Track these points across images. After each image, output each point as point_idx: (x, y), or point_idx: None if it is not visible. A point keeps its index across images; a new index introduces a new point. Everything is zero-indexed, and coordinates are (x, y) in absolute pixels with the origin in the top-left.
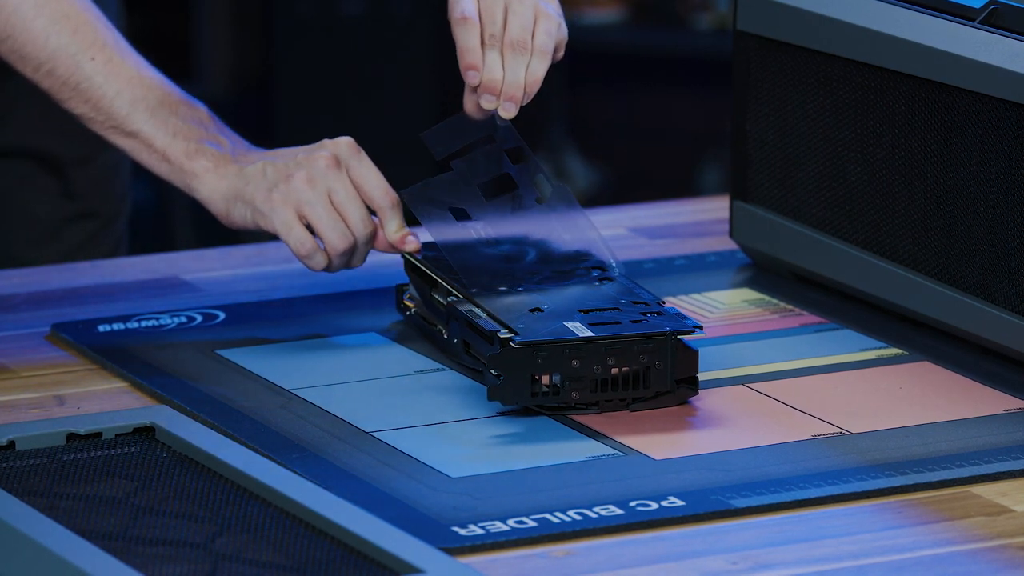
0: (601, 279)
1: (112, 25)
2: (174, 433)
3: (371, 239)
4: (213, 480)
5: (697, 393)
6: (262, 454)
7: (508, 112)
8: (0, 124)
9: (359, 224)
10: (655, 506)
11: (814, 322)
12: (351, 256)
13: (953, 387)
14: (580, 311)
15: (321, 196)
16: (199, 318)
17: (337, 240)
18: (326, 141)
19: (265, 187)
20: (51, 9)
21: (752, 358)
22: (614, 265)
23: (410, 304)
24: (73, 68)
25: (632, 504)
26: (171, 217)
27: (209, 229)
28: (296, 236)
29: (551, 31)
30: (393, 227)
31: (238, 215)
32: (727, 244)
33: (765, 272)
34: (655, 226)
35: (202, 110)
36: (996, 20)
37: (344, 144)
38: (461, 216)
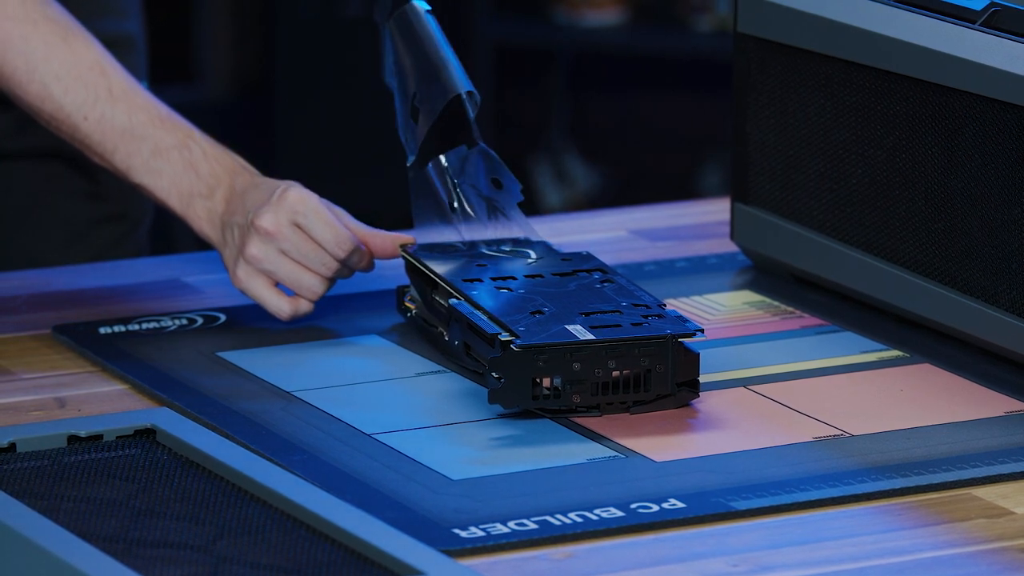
0: (602, 281)
1: (104, 53)
2: (175, 435)
3: (345, 266)
4: (214, 482)
5: (698, 396)
6: (263, 456)
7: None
8: (31, 125)
9: (323, 267)
10: (656, 508)
11: (815, 324)
12: (332, 282)
13: (954, 389)
14: (581, 314)
15: (277, 258)
16: (200, 320)
17: (307, 290)
18: (274, 197)
19: (232, 257)
20: (43, 71)
21: (753, 360)
22: (536, 241)
23: (411, 306)
24: (72, 128)
25: (633, 506)
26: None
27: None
28: (273, 305)
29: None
30: (364, 265)
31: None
32: (728, 246)
33: (766, 274)
34: (656, 228)
35: (194, 150)
36: (996, 22)
37: (290, 203)
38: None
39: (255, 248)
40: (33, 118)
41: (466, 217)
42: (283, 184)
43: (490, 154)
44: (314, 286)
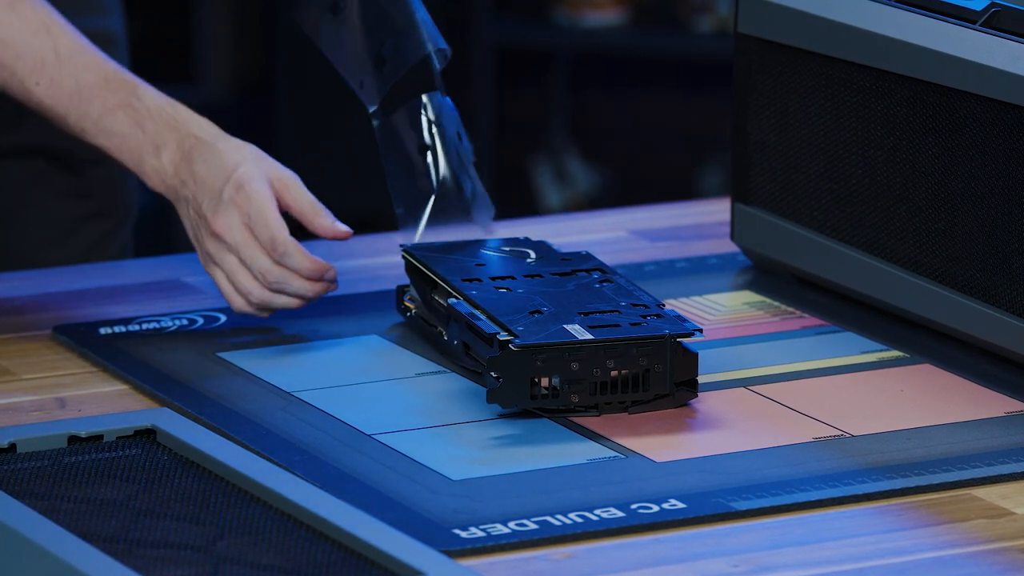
0: (601, 281)
1: (52, 13)
2: (175, 435)
3: (290, 275)
4: (214, 482)
5: (696, 396)
6: (263, 456)
7: (331, 281)
8: (16, 123)
9: (261, 273)
10: (656, 508)
11: (815, 324)
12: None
13: (954, 389)
14: (580, 313)
15: (225, 256)
16: (200, 320)
17: (245, 293)
18: (227, 192)
19: (193, 235)
20: None
21: (753, 360)
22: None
23: (410, 305)
24: (24, 94)
25: (633, 506)
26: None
27: (158, 212)
28: (226, 295)
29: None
30: (305, 265)
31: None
32: (728, 246)
33: (766, 274)
34: (656, 228)
35: (139, 107)
36: (997, 22)
37: (239, 202)
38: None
39: (209, 245)
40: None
41: (436, 158)
42: (233, 166)
43: (455, 110)
44: (252, 290)
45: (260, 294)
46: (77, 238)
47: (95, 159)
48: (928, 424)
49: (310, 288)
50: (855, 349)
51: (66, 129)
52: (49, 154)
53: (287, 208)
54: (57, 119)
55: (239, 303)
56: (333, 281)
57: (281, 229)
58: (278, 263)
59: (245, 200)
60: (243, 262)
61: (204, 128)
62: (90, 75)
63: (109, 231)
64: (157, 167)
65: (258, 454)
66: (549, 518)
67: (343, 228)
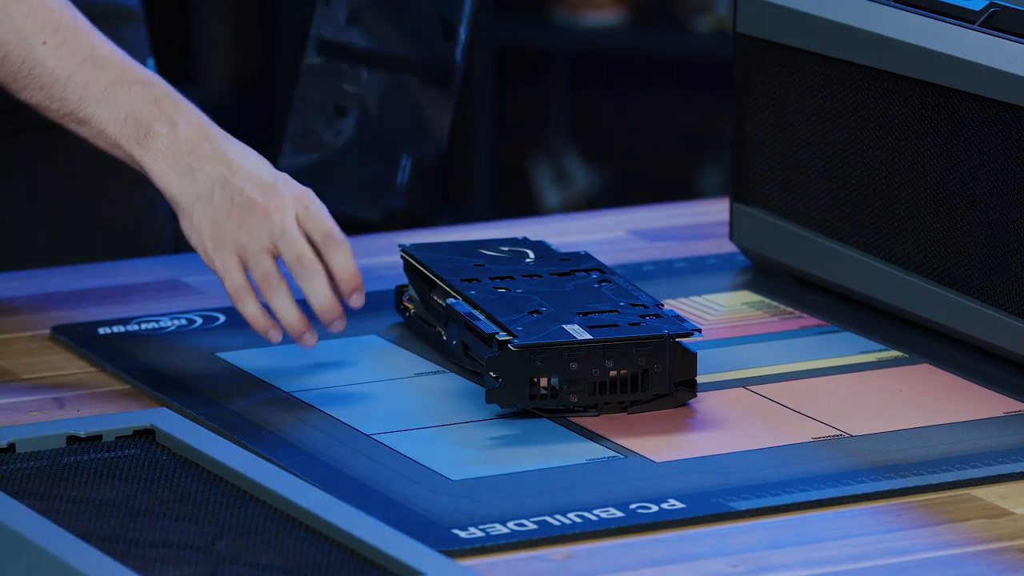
0: (600, 281)
1: (70, 3)
2: (174, 435)
3: (320, 270)
4: (213, 482)
5: (695, 396)
6: (262, 456)
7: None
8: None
9: (299, 257)
10: (655, 508)
11: (814, 324)
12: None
13: (953, 389)
14: (579, 313)
15: (260, 235)
16: (199, 320)
17: (285, 311)
18: (280, 186)
19: (206, 217)
20: None
21: (752, 360)
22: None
23: (409, 305)
24: (26, 52)
25: (632, 506)
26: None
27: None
28: (231, 281)
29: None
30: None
31: (185, 226)
32: (727, 246)
33: (765, 274)
34: (655, 228)
35: (158, 88)
36: (996, 22)
37: (296, 191)
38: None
39: (241, 225)
40: None
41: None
42: (274, 171)
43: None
44: (270, 271)
45: (275, 279)
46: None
47: (121, 182)
48: (927, 424)
49: (327, 298)
50: (854, 349)
51: (58, 97)
52: (72, 173)
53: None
54: (53, 84)
55: (240, 291)
56: (342, 318)
57: (336, 228)
58: (318, 254)
59: (305, 194)
60: (280, 244)
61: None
62: (107, 50)
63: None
64: (169, 139)
65: (257, 454)
66: (548, 518)
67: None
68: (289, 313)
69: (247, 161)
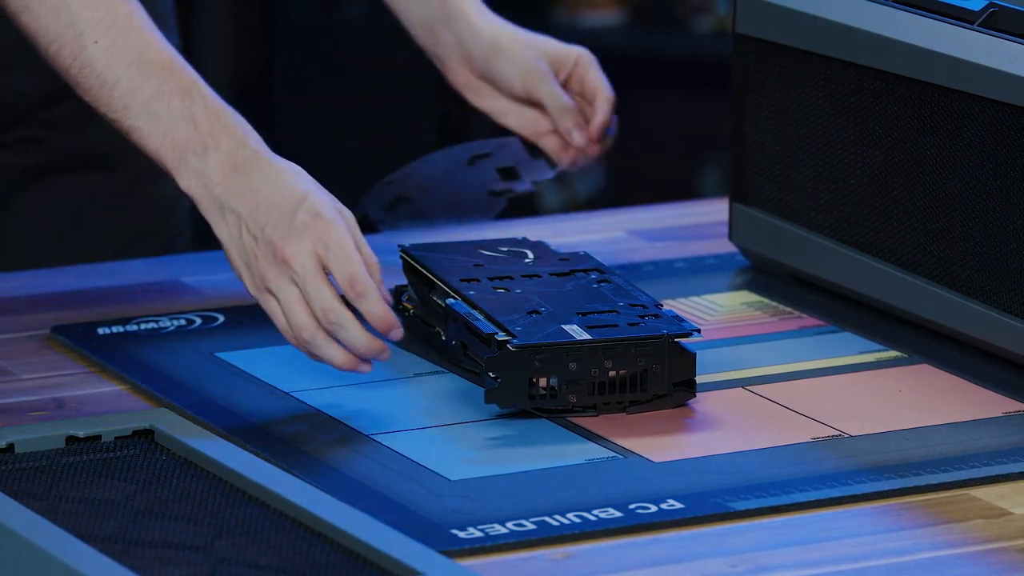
0: (599, 281)
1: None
2: (173, 436)
3: (351, 320)
4: (212, 483)
5: (694, 396)
6: (261, 457)
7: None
8: (84, 124)
9: (321, 311)
10: (654, 508)
11: (813, 324)
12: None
13: (952, 390)
14: (578, 314)
15: (286, 286)
16: (198, 321)
17: (299, 329)
18: (298, 219)
19: (236, 252)
20: None
21: (751, 361)
22: None
23: (409, 306)
24: (79, 50)
25: (631, 506)
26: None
27: (208, 231)
28: (281, 327)
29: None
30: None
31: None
32: (726, 246)
33: (764, 274)
34: (654, 228)
35: (196, 103)
36: (995, 22)
37: (317, 231)
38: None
39: (268, 270)
40: (34, 43)
41: None
42: (303, 190)
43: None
44: (305, 327)
45: (312, 334)
46: (130, 253)
47: (152, 175)
48: (926, 424)
49: (365, 342)
50: (853, 349)
51: (104, 102)
52: (106, 165)
53: None
54: (101, 87)
55: (290, 336)
56: (385, 349)
57: (361, 266)
58: (344, 303)
59: (324, 229)
60: (305, 295)
61: (260, 142)
62: (155, 53)
63: (159, 249)
64: (200, 169)
65: (256, 454)
66: (547, 518)
67: (384, 294)
68: (341, 358)
69: (272, 190)
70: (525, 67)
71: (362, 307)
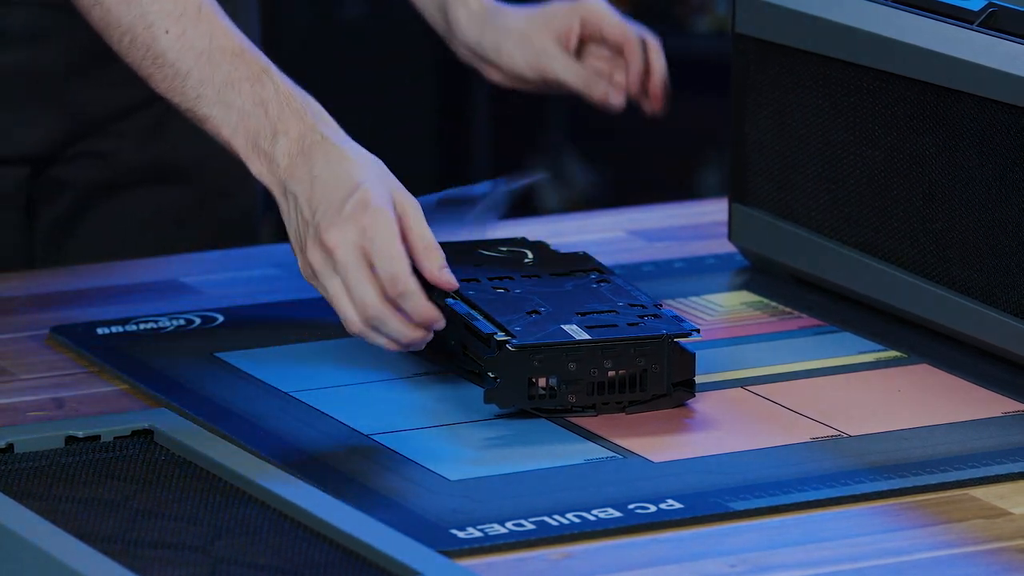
0: (599, 281)
1: None
2: (173, 436)
3: (392, 315)
4: (212, 483)
5: (694, 396)
6: (261, 457)
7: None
8: (152, 136)
9: (366, 302)
10: (653, 509)
11: (812, 324)
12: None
13: (951, 390)
14: (577, 314)
15: (331, 276)
16: (198, 321)
17: (347, 321)
18: (348, 207)
19: (294, 237)
20: None
21: (750, 361)
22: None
23: None
24: (151, 41)
25: (630, 507)
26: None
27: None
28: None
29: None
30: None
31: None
32: (725, 247)
33: (764, 275)
34: (653, 228)
35: (267, 87)
36: (994, 23)
37: (364, 224)
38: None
39: (314, 256)
40: (106, 36)
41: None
42: (359, 179)
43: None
44: (351, 319)
45: (360, 328)
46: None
47: (223, 191)
48: (925, 424)
49: (409, 334)
50: (852, 349)
51: (178, 92)
52: (177, 180)
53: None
54: (175, 77)
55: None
56: (427, 338)
57: (405, 265)
58: (385, 299)
59: (371, 222)
60: (347, 287)
61: (332, 127)
62: (225, 40)
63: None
64: (270, 154)
65: (256, 454)
66: (547, 518)
67: (448, 278)
68: (390, 347)
69: (330, 176)
70: (530, 52)
71: (404, 306)
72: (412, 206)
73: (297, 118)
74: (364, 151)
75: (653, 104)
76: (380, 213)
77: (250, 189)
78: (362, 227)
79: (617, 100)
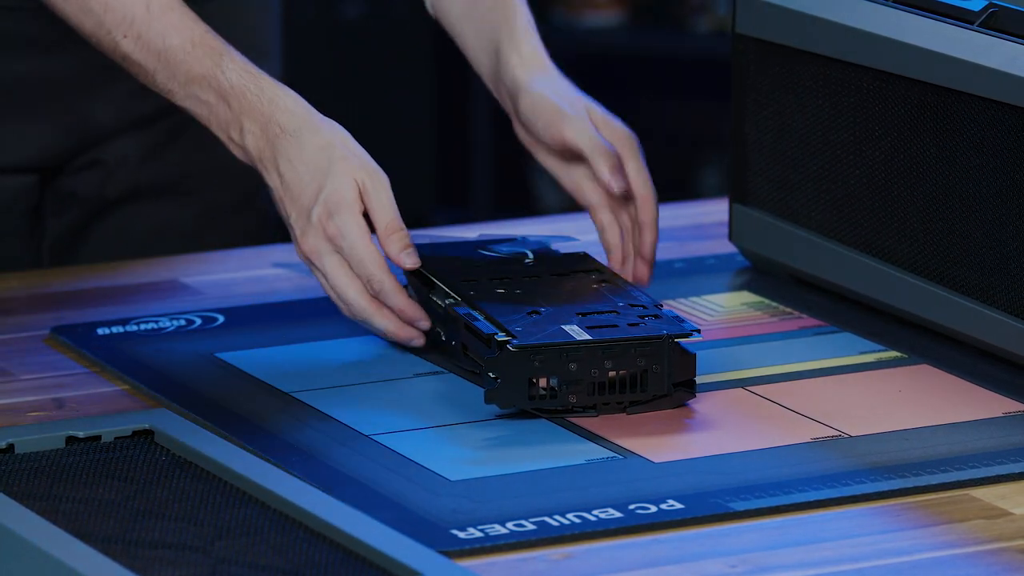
0: (599, 282)
1: None
2: (173, 436)
3: (376, 311)
4: (212, 483)
5: (694, 396)
6: (261, 457)
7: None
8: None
9: (350, 304)
10: (654, 509)
11: (813, 325)
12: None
13: (952, 390)
14: (578, 314)
15: (330, 258)
16: (198, 321)
17: (351, 303)
18: (319, 209)
19: (289, 230)
20: None
21: (751, 361)
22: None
23: None
24: (113, 45)
25: (631, 507)
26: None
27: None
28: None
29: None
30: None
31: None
32: (726, 247)
33: (764, 275)
34: None
35: (222, 80)
36: (995, 23)
37: (336, 203)
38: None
39: (301, 255)
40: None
41: None
42: (322, 175)
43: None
44: (343, 311)
45: (352, 315)
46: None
47: (234, 206)
48: (926, 424)
49: (396, 330)
50: (853, 349)
51: (157, 88)
52: (186, 193)
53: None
54: (145, 75)
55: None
56: (422, 335)
57: (377, 265)
58: (370, 297)
59: (337, 231)
60: (331, 287)
61: (289, 112)
62: (176, 37)
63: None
64: (242, 145)
65: (256, 455)
66: (547, 519)
67: (410, 260)
68: (388, 328)
69: (294, 177)
70: (549, 108)
71: (384, 302)
72: (374, 184)
73: (256, 110)
74: (321, 124)
75: (639, 272)
76: (345, 216)
77: (258, 204)
78: (330, 235)
79: (617, 186)
